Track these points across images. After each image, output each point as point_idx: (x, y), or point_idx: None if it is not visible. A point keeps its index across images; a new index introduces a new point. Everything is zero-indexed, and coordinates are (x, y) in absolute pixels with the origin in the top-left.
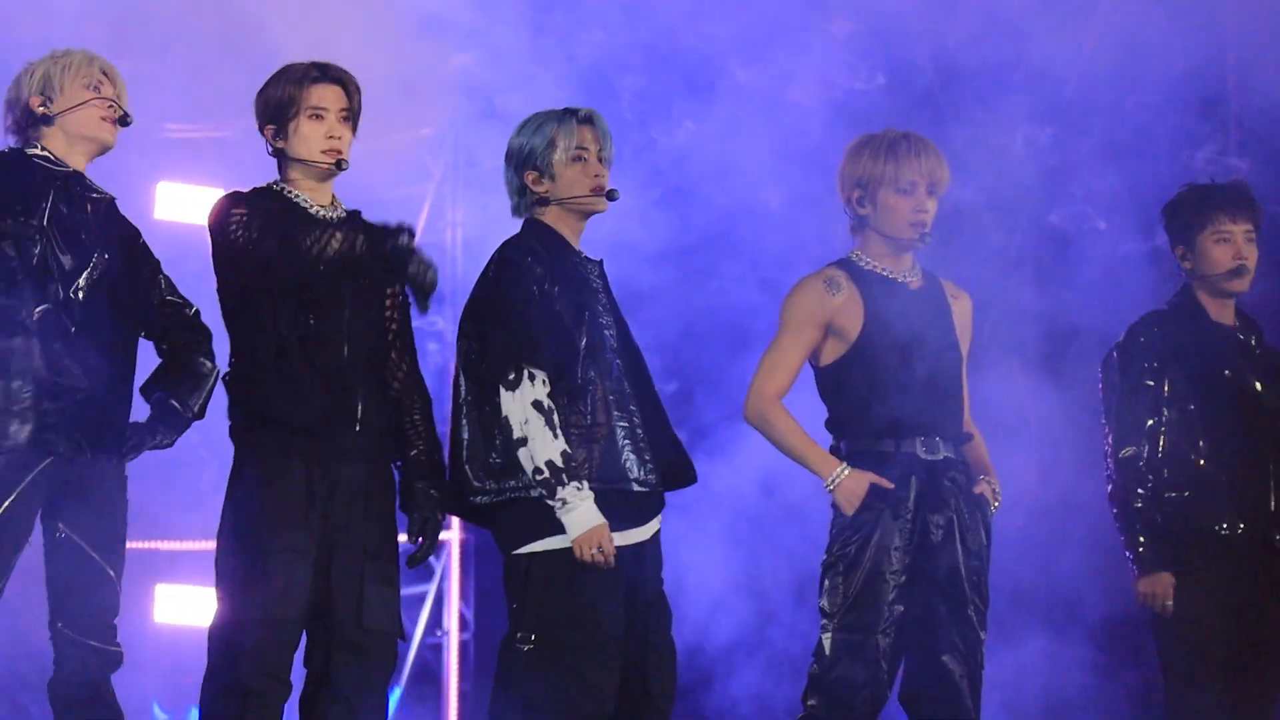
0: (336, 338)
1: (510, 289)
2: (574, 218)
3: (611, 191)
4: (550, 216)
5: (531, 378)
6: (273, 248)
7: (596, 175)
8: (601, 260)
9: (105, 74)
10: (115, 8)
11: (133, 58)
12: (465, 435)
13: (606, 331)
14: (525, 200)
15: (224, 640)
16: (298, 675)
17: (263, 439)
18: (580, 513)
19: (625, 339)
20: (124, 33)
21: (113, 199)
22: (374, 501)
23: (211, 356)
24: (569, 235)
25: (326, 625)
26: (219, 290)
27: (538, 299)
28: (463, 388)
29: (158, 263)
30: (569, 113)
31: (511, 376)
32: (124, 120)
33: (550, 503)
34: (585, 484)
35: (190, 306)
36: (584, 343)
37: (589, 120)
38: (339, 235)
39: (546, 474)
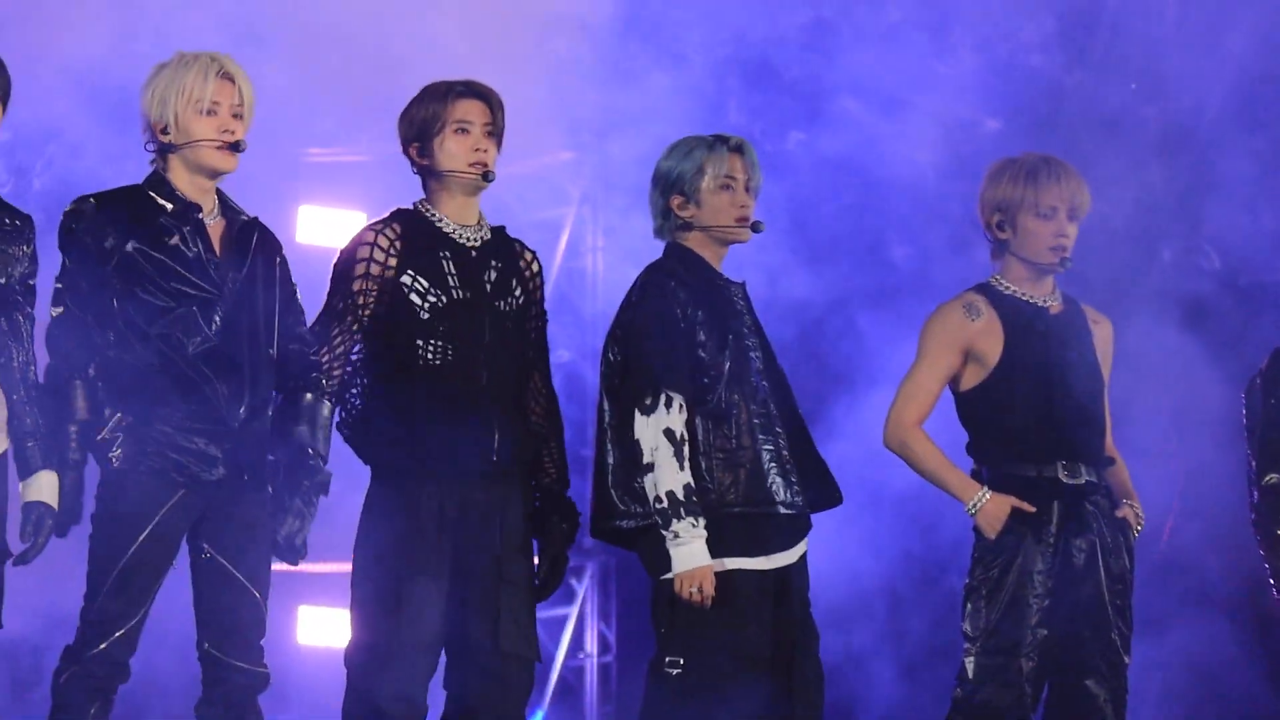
0: (475, 365)
1: (653, 313)
2: (716, 244)
3: (756, 223)
4: (693, 241)
5: (668, 403)
6: (411, 277)
7: (742, 205)
8: (744, 282)
9: (225, 82)
10: (256, 29)
11: (275, 81)
12: (610, 459)
13: (752, 354)
14: (669, 223)
15: (360, 665)
16: (436, 698)
17: (397, 463)
18: (690, 549)
19: (770, 361)
20: (266, 55)
21: (253, 219)
22: (509, 526)
23: (330, 397)
24: (711, 260)
25: (463, 650)
26: (322, 319)
27: (680, 323)
28: (606, 411)
29: (294, 289)
30: (720, 140)
31: (648, 401)
32: (236, 147)
33: (663, 532)
34: (701, 522)
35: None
36: (728, 366)
37: (739, 149)
38: (480, 260)
39: (665, 504)
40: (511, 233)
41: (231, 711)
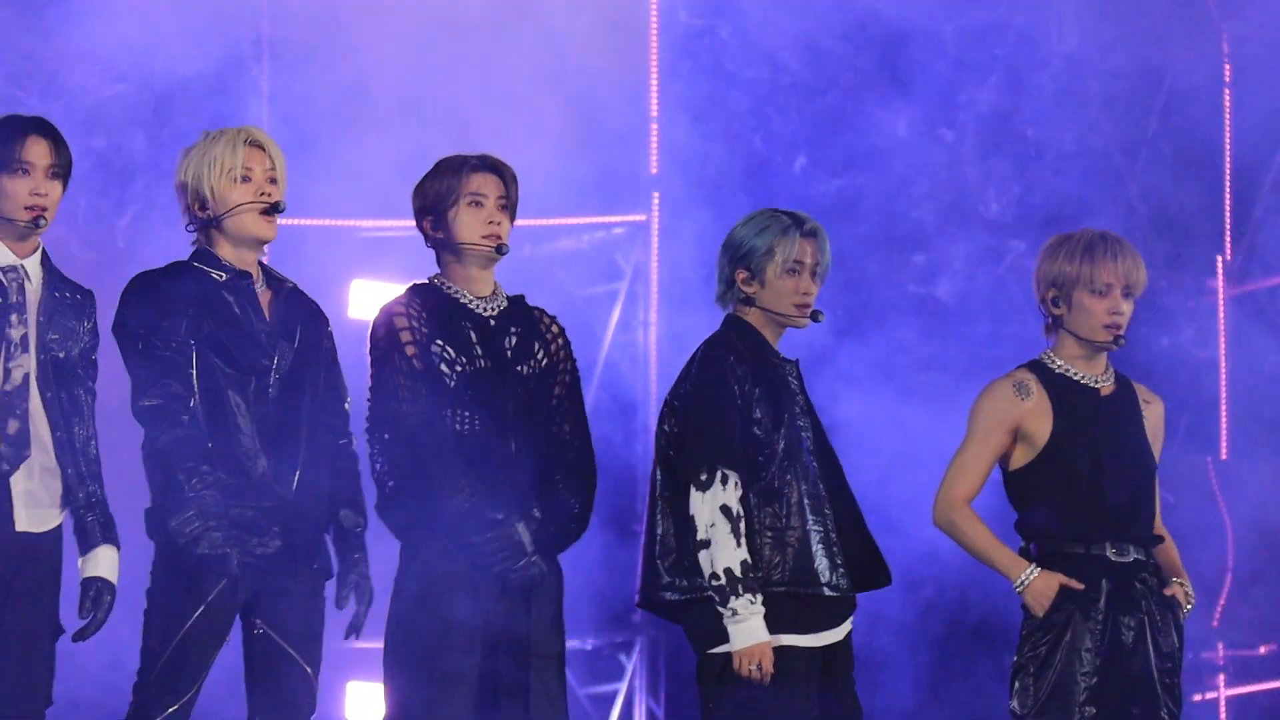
0: (501, 434)
1: (711, 388)
2: (775, 324)
3: (816, 312)
4: (752, 316)
5: (724, 480)
6: (440, 345)
7: (805, 292)
8: (798, 360)
9: (255, 149)
10: (307, 105)
11: (328, 153)
12: (659, 530)
13: (804, 434)
14: (732, 293)
15: None
16: None
17: (426, 536)
18: (749, 626)
19: (821, 440)
20: (313, 130)
21: (296, 287)
22: (540, 600)
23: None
24: (770, 337)
25: None
26: (374, 390)
27: (738, 400)
28: (659, 482)
29: (338, 366)
30: (795, 223)
31: (704, 477)
32: (275, 209)
33: (720, 609)
34: (759, 598)
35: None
36: (782, 446)
37: (813, 234)
38: (499, 328)
39: (723, 580)
40: (565, 307)
41: None
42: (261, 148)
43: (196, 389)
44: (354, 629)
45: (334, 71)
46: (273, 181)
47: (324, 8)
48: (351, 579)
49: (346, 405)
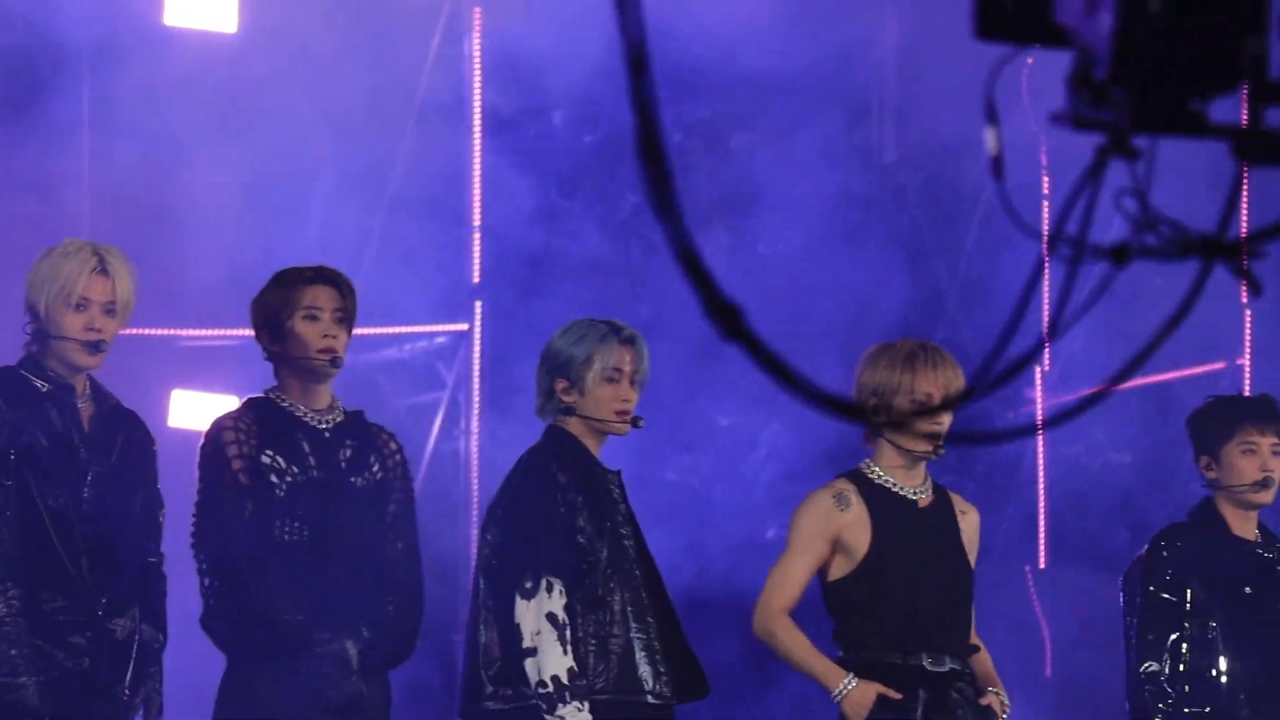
0: (331, 547)
1: (534, 497)
2: (596, 433)
3: (636, 419)
4: (573, 426)
5: (549, 588)
6: (270, 456)
7: (624, 399)
8: (619, 471)
9: (99, 278)
10: (129, 209)
11: (145, 260)
12: (483, 639)
13: (626, 542)
14: (552, 404)
15: None
16: None
17: (250, 652)
18: None
19: (642, 549)
20: (135, 239)
21: (118, 402)
22: (365, 714)
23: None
24: (591, 446)
25: None
26: (199, 505)
27: (561, 508)
28: (482, 591)
29: (156, 487)
30: (613, 331)
31: (529, 584)
32: (98, 347)
33: (548, 717)
34: (586, 706)
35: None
36: (605, 554)
37: (630, 341)
38: (334, 440)
39: (550, 689)
40: (384, 417)
41: None
42: (109, 275)
43: (9, 500)
44: None
45: (153, 176)
46: (109, 312)
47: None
48: (143, 691)
49: (161, 519)
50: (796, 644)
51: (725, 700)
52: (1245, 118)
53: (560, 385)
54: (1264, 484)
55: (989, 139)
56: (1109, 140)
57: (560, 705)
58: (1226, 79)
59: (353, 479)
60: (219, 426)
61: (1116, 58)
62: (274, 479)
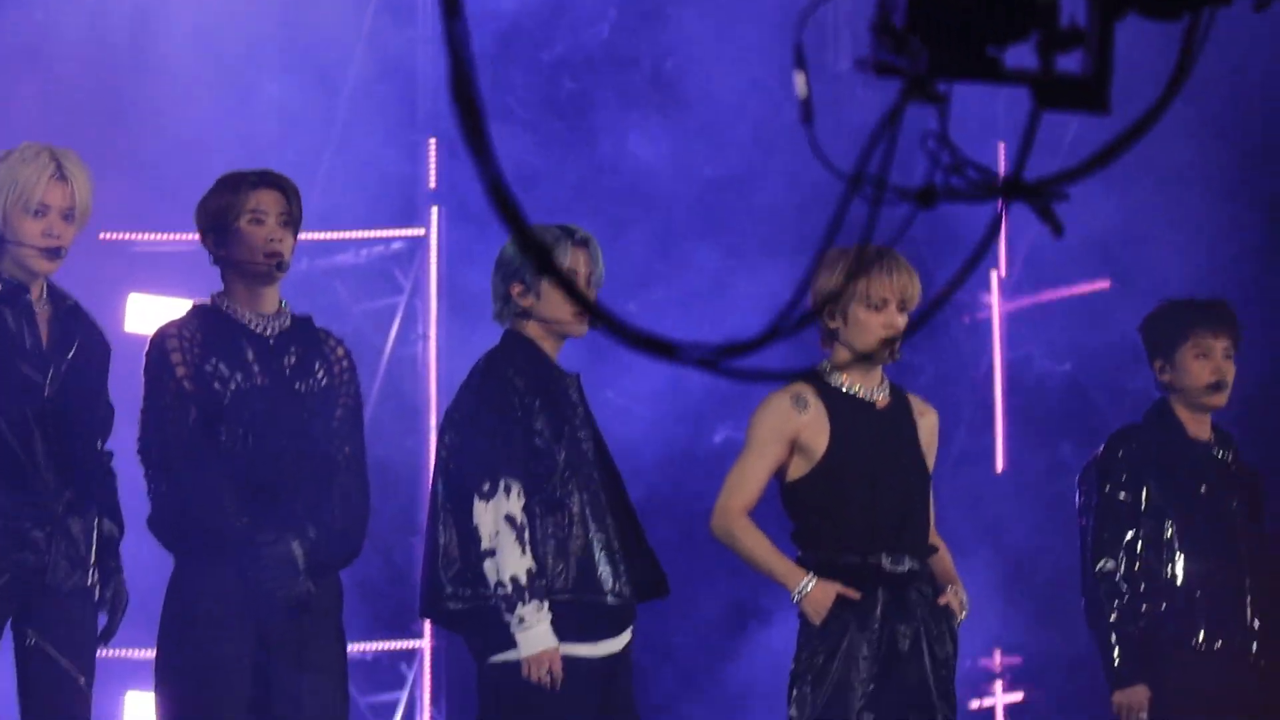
0: (276, 452)
1: (491, 401)
2: (554, 335)
3: (594, 319)
4: (531, 330)
5: (507, 490)
6: (214, 364)
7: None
8: (578, 374)
9: (58, 184)
10: (83, 113)
11: (99, 164)
12: (441, 540)
13: (584, 445)
14: (509, 309)
15: None
16: None
17: (197, 552)
18: (536, 633)
19: (602, 452)
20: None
21: (77, 306)
22: (316, 611)
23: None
24: (549, 349)
25: None
26: (145, 410)
27: (518, 411)
28: (440, 494)
29: (105, 386)
30: (566, 234)
31: (486, 487)
32: (57, 254)
33: (507, 617)
34: (545, 605)
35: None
36: (563, 456)
37: (584, 243)
38: (278, 347)
39: (509, 589)
40: (341, 322)
41: None
42: (66, 180)
43: None
44: (107, 636)
45: (107, 80)
46: (67, 219)
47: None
48: (110, 588)
49: (110, 420)
50: (757, 544)
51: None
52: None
53: (516, 289)
54: (1217, 386)
55: (798, 83)
56: (909, 85)
57: (520, 605)
58: (1019, 27)
59: (296, 384)
60: (163, 334)
61: (913, 5)
62: (217, 386)
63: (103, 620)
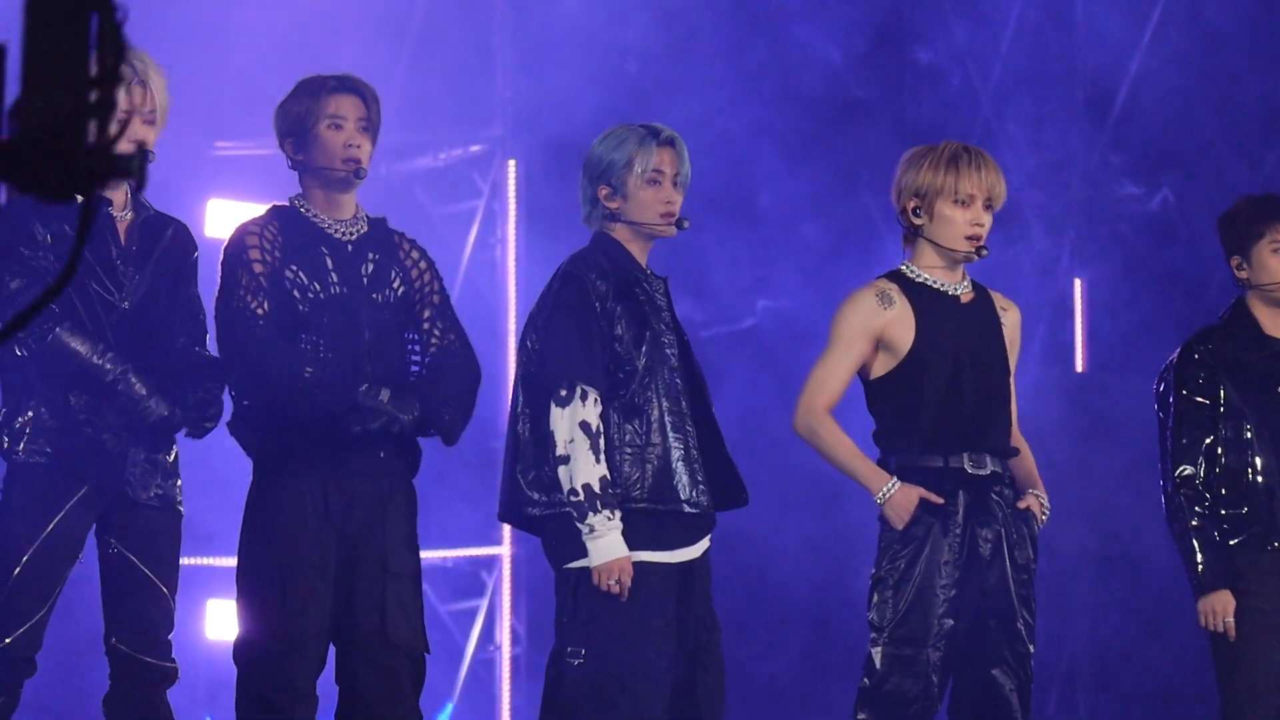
0: (357, 359)
1: (573, 305)
2: (642, 237)
3: (681, 220)
4: (619, 233)
5: (584, 396)
6: (294, 271)
7: (668, 201)
8: (667, 278)
9: (137, 87)
10: (162, 24)
11: (182, 72)
12: (520, 445)
13: (668, 350)
14: (596, 212)
15: (248, 659)
16: (331, 691)
17: (281, 457)
18: (606, 542)
19: (687, 358)
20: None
21: (160, 215)
22: (394, 518)
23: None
24: (636, 252)
25: (351, 643)
26: (220, 309)
27: (599, 316)
28: (520, 399)
29: (197, 294)
30: (651, 134)
31: (564, 393)
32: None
33: (579, 525)
34: (617, 514)
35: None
36: (644, 363)
37: (670, 143)
38: (356, 254)
39: (581, 496)
40: (422, 227)
41: (140, 706)
42: (144, 85)
43: (55, 306)
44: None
45: None
46: (149, 123)
47: None
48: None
49: (203, 320)
50: (840, 444)
51: None
52: None
53: (603, 191)
54: None
55: None
56: None
57: (591, 514)
58: None
59: (374, 294)
60: (243, 230)
61: None
62: (296, 294)
63: (204, 534)
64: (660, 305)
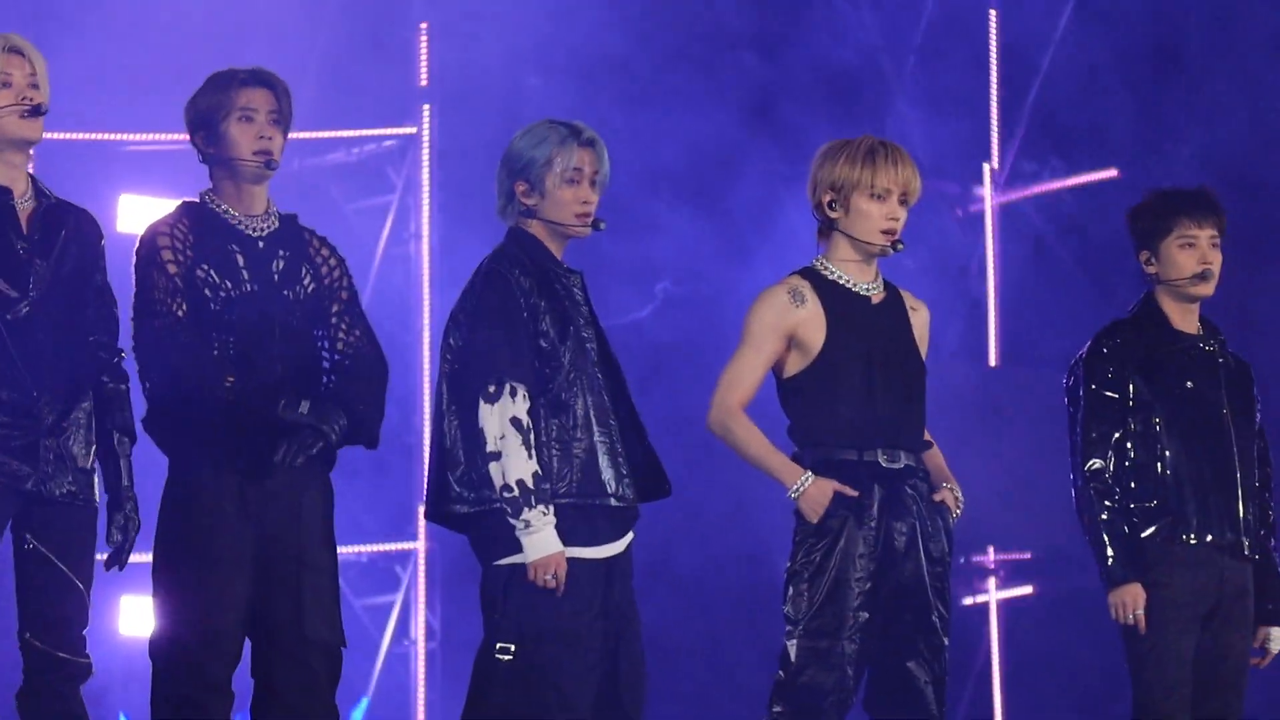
0: (267, 357)
1: (496, 301)
2: (558, 235)
3: (597, 221)
4: (535, 229)
5: (513, 392)
6: (205, 270)
7: (585, 201)
8: (582, 272)
9: (14, 55)
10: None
11: (91, 66)
12: (448, 443)
13: (589, 345)
14: (512, 207)
15: (164, 654)
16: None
17: (194, 453)
18: (541, 537)
19: (605, 352)
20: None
21: (62, 203)
22: (310, 512)
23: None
24: (553, 249)
25: (268, 636)
26: (136, 309)
27: (524, 312)
28: (445, 396)
29: (105, 280)
30: (573, 133)
31: (492, 389)
32: (38, 111)
33: (512, 521)
34: (550, 509)
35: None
36: (569, 358)
37: (590, 143)
38: (267, 251)
39: (516, 493)
40: (334, 222)
41: (54, 702)
42: (21, 53)
43: None
44: (118, 562)
45: None
46: (34, 86)
47: None
48: (120, 515)
49: (116, 313)
50: (753, 439)
51: None
52: None
53: (521, 187)
54: (1203, 276)
55: None
56: None
57: (526, 509)
58: None
59: (285, 291)
60: (154, 230)
61: None
62: (207, 293)
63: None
64: (579, 300)
